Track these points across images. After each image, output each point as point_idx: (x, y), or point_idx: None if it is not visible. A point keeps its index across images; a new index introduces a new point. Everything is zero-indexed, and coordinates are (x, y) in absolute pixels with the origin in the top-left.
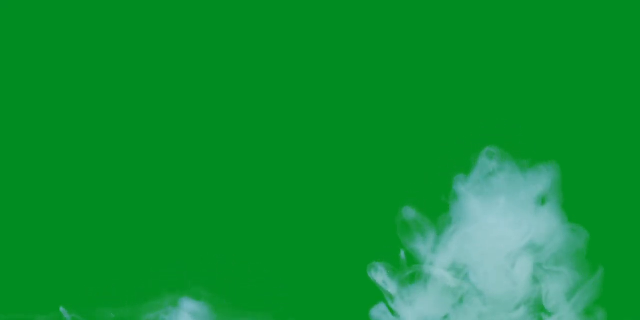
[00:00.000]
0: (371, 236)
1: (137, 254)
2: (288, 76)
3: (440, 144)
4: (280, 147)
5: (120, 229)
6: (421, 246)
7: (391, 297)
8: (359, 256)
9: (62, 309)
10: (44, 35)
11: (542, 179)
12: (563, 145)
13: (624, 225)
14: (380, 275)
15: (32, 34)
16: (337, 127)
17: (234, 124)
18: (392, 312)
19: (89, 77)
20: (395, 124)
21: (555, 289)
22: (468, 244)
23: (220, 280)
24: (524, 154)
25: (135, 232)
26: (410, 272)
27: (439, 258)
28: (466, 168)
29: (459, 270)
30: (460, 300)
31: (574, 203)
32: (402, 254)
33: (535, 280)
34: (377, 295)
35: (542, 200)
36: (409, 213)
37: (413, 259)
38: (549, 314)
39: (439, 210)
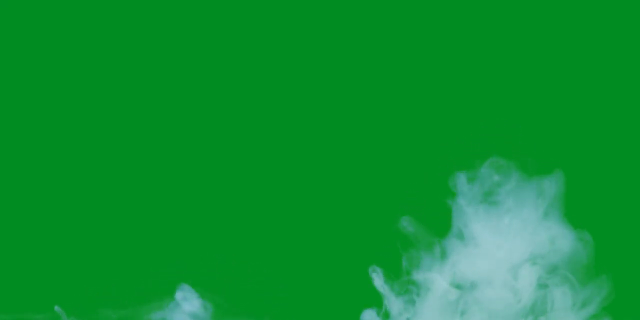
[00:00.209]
0: (371, 237)
1: (137, 255)
2: (289, 78)
3: (443, 150)
4: (280, 148)
5: (120, 230)
6: (422, 257)
7: (388, 302)
8: (359, 258)
9: (57, 308)
10: (44, 35)
11: (547, 189)
12: (567, 149)
13: (629, 233)
14: (378, 279)
15: (32, 34)
16: (338, 129)
17: (232, 129)
18: (386, 315)
19: (89, 77)
20: (397, 126)
21: (560, 299)
22: (470, 256)
23: (219, 281)
24: (528, 160)
25: (135, 233)
26: (409, 279)
27: (440, 269)
28: (470, 177)
29: (460, 283)
30: (462, 314)
31: (579, 210)
32: (404, 261)
33: (540, 289)
34: (375, 299)
35: (547, 210)
36: (408, 225)
37: (413, 267)
38: None
39: (440, 219)
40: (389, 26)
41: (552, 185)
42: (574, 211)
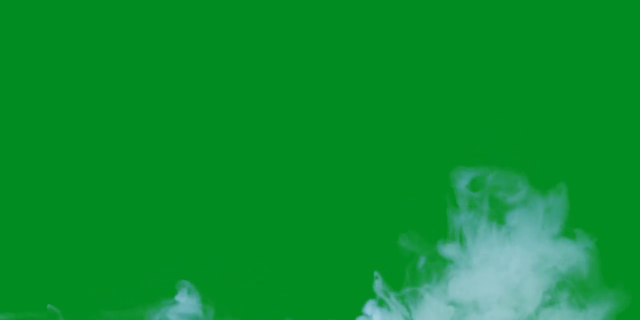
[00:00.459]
0: (371, 237)
1: (137, 255)
2: (289, 79)
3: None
4: (280, 148)
5: (120, 231)
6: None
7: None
8: (359, 258)
9: (49, 306)
10: (44, 35)
11: (551, 203)
12: (570, 161)
13: (636, 246)
14: (379, 285)
15: (32, 34)
16: (340, 131)
17: (233, 133)
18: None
19: (89, 78)
20: (400, 127)
21: (566, 315)
22: (472, 271)
23: (219, 281)
24: (532, 173)
25: (135, 234)
26: (408, 292)
27: (441, 289)
28: (473, 189)
29: (461, 302)
30: None
31: (583, 223)
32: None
33: (546, 305)
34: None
35: (551, 224)
36: (408, 239)
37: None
38: None
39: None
40: (390, 26)
41: (555, 198)
42: (578, 224)
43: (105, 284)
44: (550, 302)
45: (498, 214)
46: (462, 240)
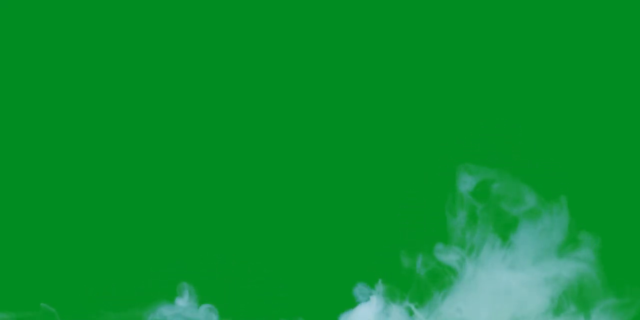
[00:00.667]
0: (371, 237)
1: (137, 256)
2: (291, 79)
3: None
4: (280, 148)
5: (120, 231)
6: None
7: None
8: (358, 258)
9: (43, 304)
10: (44, 35)
11: (553, 216)
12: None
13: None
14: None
15: (32, 34)
16: (340, 132)
17: (233, 134)
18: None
19: (89, 78)
20: (402, 128)
21: None
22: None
23: (219, 281)
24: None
25: (135, 234)
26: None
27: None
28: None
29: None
30: None
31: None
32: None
33: (552, 313)
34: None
35: (554, 237)
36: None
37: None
38: None
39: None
40: (391, 27)
41: (557, 211)
42: (582, 230)
43: (105, 284)
44: (554, 311)
45: (501, 223)
46: (463, 248)
